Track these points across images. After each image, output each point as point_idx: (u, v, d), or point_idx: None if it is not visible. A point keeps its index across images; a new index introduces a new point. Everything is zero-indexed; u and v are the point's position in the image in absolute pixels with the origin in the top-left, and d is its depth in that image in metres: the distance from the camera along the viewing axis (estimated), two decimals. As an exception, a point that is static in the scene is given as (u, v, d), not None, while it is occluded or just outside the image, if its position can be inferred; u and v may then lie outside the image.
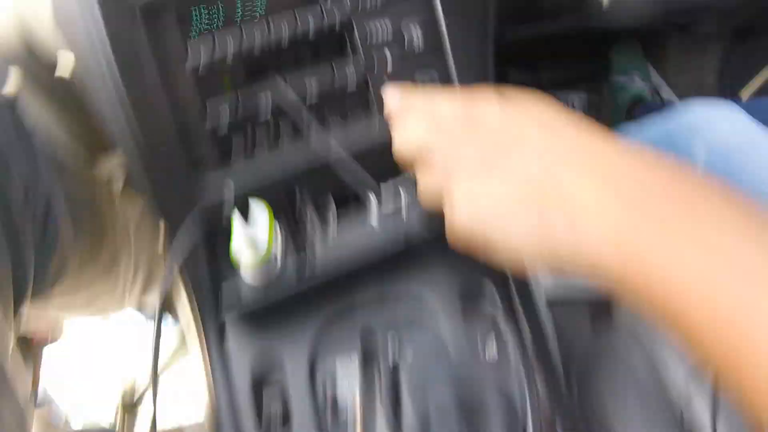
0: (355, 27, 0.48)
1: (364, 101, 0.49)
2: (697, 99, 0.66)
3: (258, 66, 0.46)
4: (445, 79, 0.50)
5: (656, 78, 1.32)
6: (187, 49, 0.44)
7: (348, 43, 0.49)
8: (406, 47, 0.49)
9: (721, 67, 1.19)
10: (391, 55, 0.49)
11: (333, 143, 0.47)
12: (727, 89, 1.19)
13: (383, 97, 0.44)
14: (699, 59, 1.23)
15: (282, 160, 0.47)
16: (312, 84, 0.47)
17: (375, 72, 0.48)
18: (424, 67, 0.50)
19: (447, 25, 0.50)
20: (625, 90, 1.26)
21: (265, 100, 0.46)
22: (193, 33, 0.44)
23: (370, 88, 0.49)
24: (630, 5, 0.83)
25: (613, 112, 1.28)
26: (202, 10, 0.44)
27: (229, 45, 0.45)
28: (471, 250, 0.34)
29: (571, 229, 0.29)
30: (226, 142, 0.46)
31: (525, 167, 0.32)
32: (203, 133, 0.46)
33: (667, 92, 1.29)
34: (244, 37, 0.45)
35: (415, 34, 0.49)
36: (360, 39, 0.48)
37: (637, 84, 1.26)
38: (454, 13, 0.50)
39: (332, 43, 0.49)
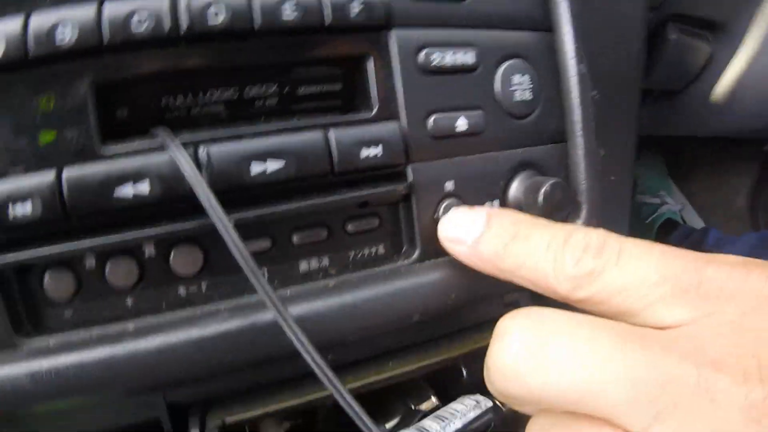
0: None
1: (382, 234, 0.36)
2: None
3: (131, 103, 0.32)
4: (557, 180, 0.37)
5: (680, 197, 1.24)
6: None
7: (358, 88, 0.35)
8: (501, 99, 0.37)
9: (756, 187, 1.14)
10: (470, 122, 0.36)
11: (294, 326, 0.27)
12: (760, 213, 1.13)
13: (442, 234, 0.33)
14: (730, 178, 1.16)
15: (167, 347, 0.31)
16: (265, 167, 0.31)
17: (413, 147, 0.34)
18: (527, 140, 0.38)
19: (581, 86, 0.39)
20: (654, 212, 1.19)
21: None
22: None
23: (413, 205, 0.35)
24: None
25: (638, 235, 1.20)
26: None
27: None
28: None
29: None
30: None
31: None
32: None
33: (690, 214, 1.22)
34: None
35: (519, 81, 0.38)
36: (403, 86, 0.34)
37: (668, 205, 1.19)
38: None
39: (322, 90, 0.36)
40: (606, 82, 0.40)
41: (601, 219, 0.40)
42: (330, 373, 0.26)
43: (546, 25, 0.39)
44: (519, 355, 0.24)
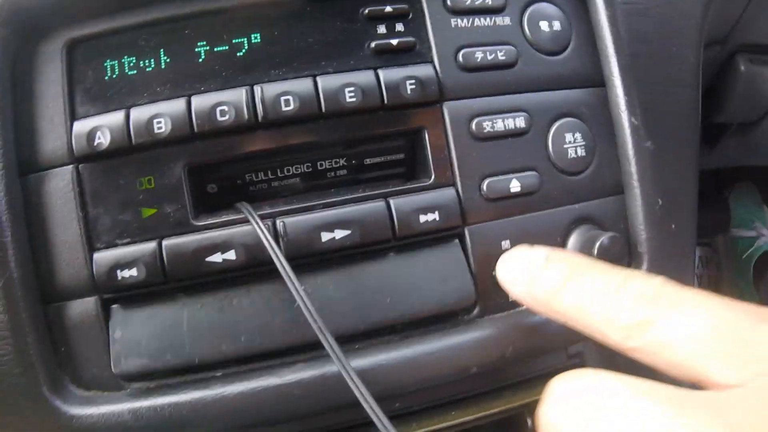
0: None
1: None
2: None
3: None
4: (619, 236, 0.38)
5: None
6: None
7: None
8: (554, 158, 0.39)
9: None
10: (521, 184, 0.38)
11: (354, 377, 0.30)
12: None
13: (500, 272, 0.33)
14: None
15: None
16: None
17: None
18: (583, 195, 0.40)
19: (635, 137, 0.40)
20: (750, 246, 1.12)
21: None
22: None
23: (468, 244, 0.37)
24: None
25: (735, 271, 1.14)
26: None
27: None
28: None
29: None
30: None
31: None
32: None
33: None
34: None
35: (571, 139, 0.40)
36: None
37: (765, 237, 1.12)
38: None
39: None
40: (661, 131, 0.41)
41: (664, 268, 0.40)
42: (386, 421, 0.29)
43: (597, 81, 0.41)
44: (563, 418, 0.24)
